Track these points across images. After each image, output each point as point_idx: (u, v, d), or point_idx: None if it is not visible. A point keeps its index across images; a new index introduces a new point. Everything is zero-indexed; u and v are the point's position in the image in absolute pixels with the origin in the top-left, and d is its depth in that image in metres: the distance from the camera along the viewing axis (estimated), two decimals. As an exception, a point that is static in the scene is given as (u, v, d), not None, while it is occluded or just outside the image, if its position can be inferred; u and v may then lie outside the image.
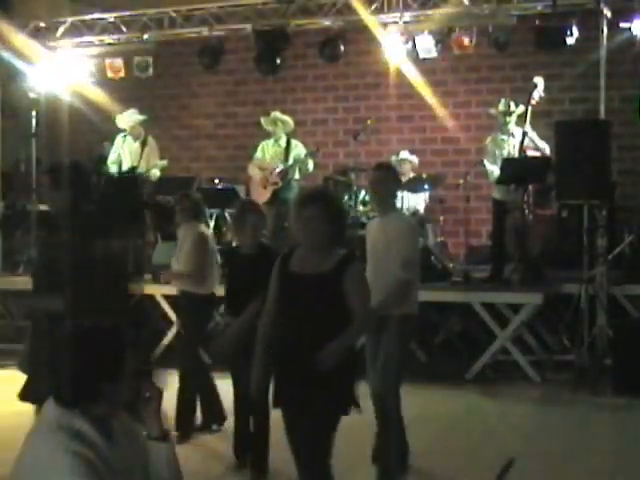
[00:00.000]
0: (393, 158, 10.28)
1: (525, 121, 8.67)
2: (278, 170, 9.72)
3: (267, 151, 9.97)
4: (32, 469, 2.31)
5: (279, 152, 9.87)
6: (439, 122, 11.75)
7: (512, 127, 9.02)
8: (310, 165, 9.91)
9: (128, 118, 10.14)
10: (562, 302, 8.21)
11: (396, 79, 11.63)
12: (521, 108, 8.95)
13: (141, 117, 10.21)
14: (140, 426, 2.65)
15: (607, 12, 8.93)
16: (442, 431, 6.25)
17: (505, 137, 9.03)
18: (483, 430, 6.46)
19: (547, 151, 8.84)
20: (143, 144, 10.08)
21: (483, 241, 10.81)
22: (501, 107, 9.11)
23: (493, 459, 5.29)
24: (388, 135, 11.84)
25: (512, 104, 9.06)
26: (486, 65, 11.25)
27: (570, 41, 9.20)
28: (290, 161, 9.76)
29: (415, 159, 10.14)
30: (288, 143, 9.89)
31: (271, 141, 9.98)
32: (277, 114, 10.03)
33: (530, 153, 8.82)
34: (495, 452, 5.76)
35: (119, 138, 10.28)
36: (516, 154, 8.83)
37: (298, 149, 9.91)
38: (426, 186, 9.76)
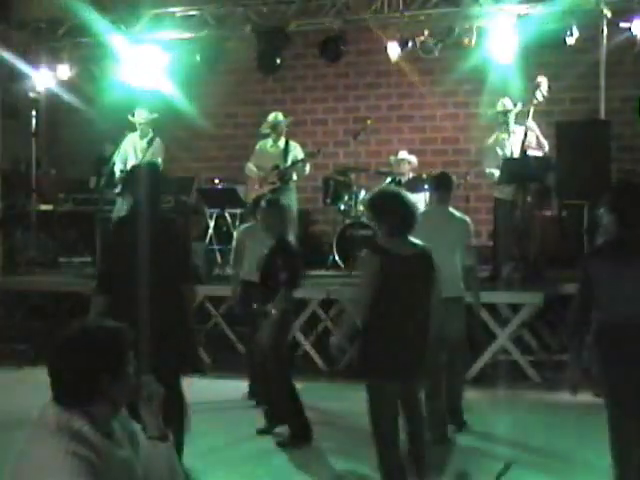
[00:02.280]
0: (392, 158, 10.28)
1: (527, 118, 8.68)
2: (276, 170, 9.71)
3: (265, 151, 9.96)
4: (32, 469, 2.31)
5: (278, 153, 9.85)
6: (439, 122, 11.76)
7: (512, 126, 9.02)
8: (307, 168, 9.88)
9: (140, 116, 10.13)
10: (562, 302, 8.21)
11: (396, 79, 11.64)
12: (519, 106, 8.96)
13: (152, 116, 10.19)
14: (140, 426, 2.65)
15: (607, 12, 8.94)
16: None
17: (506, 136, 9.03)
18: (483, 430, 6.45)
19: (546, 148, 8.82)
20: (150, 143, 10.07)
21: (483, 241, 10.80)
22: (499, 107, 9.12)
23: (493, 459, 5.31)
24: (388, 135, 11.84)
25: (509, 103, 9.06)
26: (486, 65, 11.24)
27: (570, 41, 9.20)
28: (288, 162, 9.75)
29: (414, 159, 10.13)
30: (287, 144, 9.88)
31: (269, 141, 9.96)
32: (278, 117, 9.97)
33: (531, 152, 8.82)
34: (495, 452, 5.77)
35: (128, 137, 10.26)
36: (517, 152, 8.83)
37: (296, 151, 9.88)
38: (426, 186, 9.76)
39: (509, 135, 9.01)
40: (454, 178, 7.00)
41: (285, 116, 10.05)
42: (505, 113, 9.01)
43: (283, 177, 9.67)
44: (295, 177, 9.83)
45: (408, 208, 4.65)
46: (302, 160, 9.75)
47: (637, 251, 4.00)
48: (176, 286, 4.87)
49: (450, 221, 6.31)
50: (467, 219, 6.42)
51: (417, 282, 4.56)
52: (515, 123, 9.03)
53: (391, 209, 4.64)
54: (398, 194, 4.78)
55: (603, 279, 3.98)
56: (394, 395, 4.57)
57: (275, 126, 9.86)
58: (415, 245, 4.64)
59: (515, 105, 9.02)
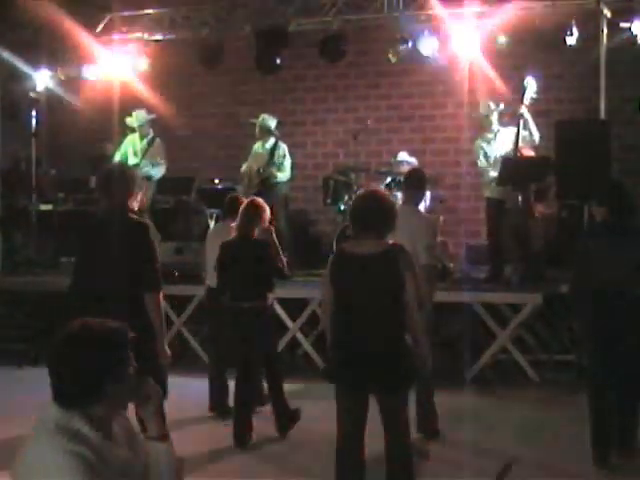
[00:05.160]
0: (391, 160, 10.28)
1: (519, 118, 8.66)
2: (259, 172, 9.76)
3: (256, 153, 10.02)
4: (32, 469, 2.31)
5: (265, 154, 9.90)
6: (439, 122, 11.75)
7: (496, 126, 9.01)
8: (287, 169, 9.85)
9: (137, 117, 10.16)
10: (562, 302, 8.21)
11: (396, 79, 11.64)
12: (501, 107, 8.97)
13: (150, 116, 10.23)
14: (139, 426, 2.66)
15: (607, 12, 8.94)
16: (442, 431, 6.26)
17: (492, 136, 9.03)
18: (483, 430, 6.45)
19: (536, 137, 8.76)
20: (150, 143, 10.10)
21: (483, 241, 10.80)
22: (481, 110, 9.13)
23: (493, 459, 5.30)
24: (388, 135, 11.83)
25: (491, 104, 9.06)
26: (485, 65, 11.23)
27: (570, 41, 9.20)
28: (273, 163, 9.80)
29: (414, 160, 10.12)
30: (275, 145, 9.90)
31: (260, 143, 10.03)
32: (262, 120, 9.98)
33: (526, 152, 8.81)
34: (495, 452, 5.77)
35: (129, 137, 10.31)
36: (504, 151, 8.80)
37: (281, 151, 9.91)
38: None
39: (494, 135, 9.01)
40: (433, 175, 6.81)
41: (277, 120, 10.05)
42: (487, 115, 9.02)
43: (265, 179, 9.72)
44: (280, 177, 9.81)
45: (356, 208, 4.56)
46: (280, 159, 9.73)
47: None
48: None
49: (413, 220, 5.87)
50: (431, 218, 6.12)
51: (373, 282, 4.36)
52: (499, 124, 9.02)
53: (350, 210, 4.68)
54: (359, 195, 4.87)
55: None
56: (349, 402, 4.48)
57: (260, 127, 9.92)
58: (381, 245, 4.40)
59: (497, 106, 9.01)
